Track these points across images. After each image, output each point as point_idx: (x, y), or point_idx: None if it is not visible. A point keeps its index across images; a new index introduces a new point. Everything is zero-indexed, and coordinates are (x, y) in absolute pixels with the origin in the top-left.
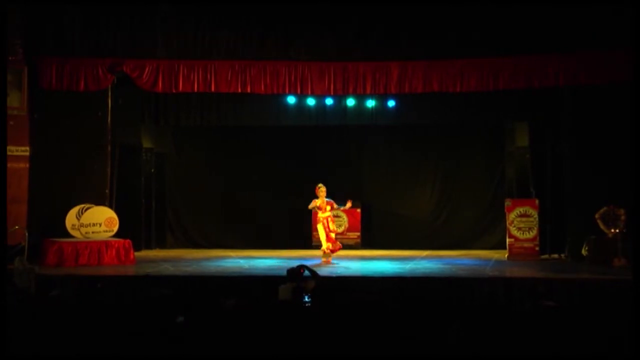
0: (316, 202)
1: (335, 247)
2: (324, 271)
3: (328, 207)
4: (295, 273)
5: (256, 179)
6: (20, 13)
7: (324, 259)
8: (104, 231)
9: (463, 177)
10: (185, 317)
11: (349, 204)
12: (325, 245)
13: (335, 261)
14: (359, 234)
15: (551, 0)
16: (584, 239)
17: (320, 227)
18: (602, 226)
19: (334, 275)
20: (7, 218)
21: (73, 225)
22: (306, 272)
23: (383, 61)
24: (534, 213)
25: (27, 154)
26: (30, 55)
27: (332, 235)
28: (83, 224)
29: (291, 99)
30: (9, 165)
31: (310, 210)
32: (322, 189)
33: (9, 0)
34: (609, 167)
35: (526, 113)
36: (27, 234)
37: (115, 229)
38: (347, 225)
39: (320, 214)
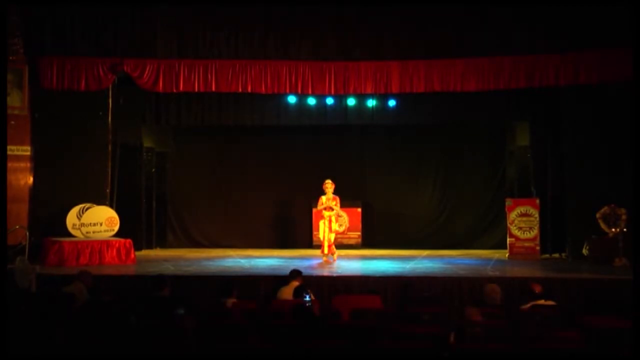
0: (322, 199)
1: (330, 250)
2: (324, 271)
3: (334, 203)
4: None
5: (257, 179)
6: (20, 13)
7: (324, 259)
8: (105, 231)
9: (464, 177)
10: (185, 311)
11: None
12: (326, 247)
13: (336, 261)
14: (359, 233)
15: (551, 0)
16: (585, 239)
17: (321, 224)
18: (603, 226)
19: (334, 275)
20: (8, 217)
21: (74, 224)
22: (307, 297)
23: (383, 60)
24: (535, 212)
25: (28, 153)
26: (31, 55)
27: (332, 236)
28: (84, 223)
29: (292, 99)
30: (9, 164)
31: (311, 208)
32: (328, 185)
33: (9, 0)
34: (609, 167)
35: (526, 113)
36: (27, 233)
37: (116, 228)
38: (347, 225)
39: (325, 212)
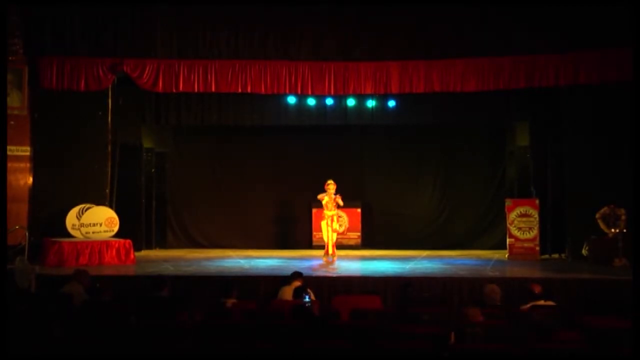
0: (324, 198)
1: (331, 251)
2: (323, 272)
3: (333, 204)
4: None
5: (257, 179)
6: (20, 13)
7: (324, 259)
8: (105, 231)
9: (464, 177)
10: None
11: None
12: (330, 248)
13: (336, 261)
14: (359, 234)
15: (551, 0)
16: (585, 239)
17: (324, 224)
18: (602, 226)
19: (334, 275)
20: (8, 217)
21: (73, 225)
22: (307, 298)
23: (383, 61)
24: (535, 213)
25: (28, 153)
26: (31, 55)
27: (334, 235)
28: (83, 223)
29: (291, 99)
30: (9, 165)
31: (311, 208)
32: (330, 185)
33: (9, 0)
34: (609, 167)
35: (526, 113)
36: (27, 233)
37: (116, 229)
38: (347, 225)
39: (326, 212)
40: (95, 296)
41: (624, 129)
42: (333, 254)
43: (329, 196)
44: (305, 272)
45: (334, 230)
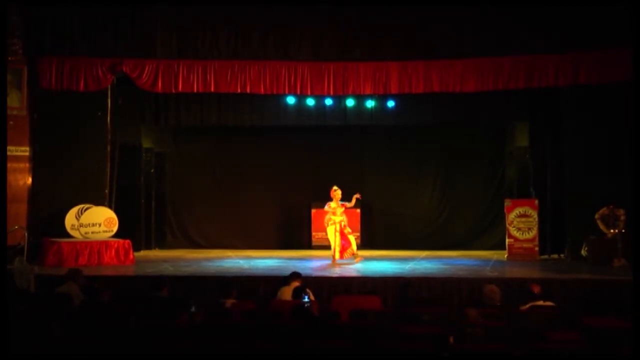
0: (330, 205)
1: (347, 249)
2: (323, 272)
3: (341, 210)
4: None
5: (256, 179)
6: (20, 13)
7: (356, 260)
8: (104, 231)
9: (463, 177)
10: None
11: (354, 200)
12: (355, 248)
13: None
14: (358, 234)
15: (551, 0)
16: (584, 240)
17: (331, 230)
18: (601, 226)
19: (333, 275)
20: (7, 218)
21: (72, 225)
22: (306, 298)
23: (383, 61)
24: (534, 213)
25: (27, 154)
26: (30, 55)
27: (351, 237)
28: (82, 224)
29: (291, 100)
30: (8, 165)
31: (311, 208)
32: (337, 192)
33: (9, 0)
34: (609, 167)
35: (526, 113)
36: (26, 234)
37: (115, 229)
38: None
39: (334, 217)
40: (92, 295)
41: (624, 129)
42: (341, 255)
43: (336, 202)
44: (304, 273)
45: (348, 234)
